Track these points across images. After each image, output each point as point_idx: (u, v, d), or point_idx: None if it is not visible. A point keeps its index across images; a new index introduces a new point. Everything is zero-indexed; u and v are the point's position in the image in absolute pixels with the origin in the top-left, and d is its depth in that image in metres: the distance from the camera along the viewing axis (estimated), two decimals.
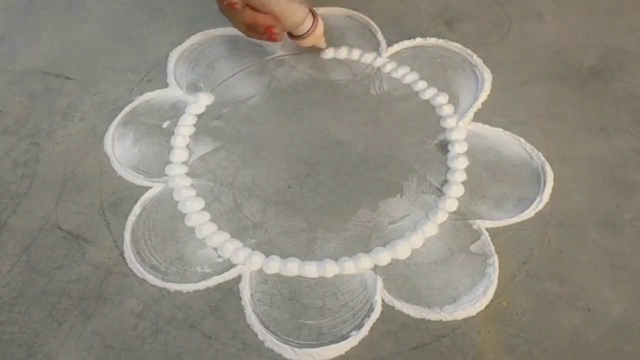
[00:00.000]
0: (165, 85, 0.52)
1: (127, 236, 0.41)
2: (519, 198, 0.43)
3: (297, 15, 0.47)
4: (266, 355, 0.36)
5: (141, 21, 0.57)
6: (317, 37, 0.51)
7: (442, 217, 0.42)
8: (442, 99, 0.50)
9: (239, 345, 0.36)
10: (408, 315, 0.37)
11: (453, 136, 0.47)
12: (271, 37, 0.47)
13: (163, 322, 0.37)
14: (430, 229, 0.41)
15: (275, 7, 0.46)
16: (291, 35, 0.50)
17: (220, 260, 0.40)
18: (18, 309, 0.38)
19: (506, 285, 0.38)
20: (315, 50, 0.53)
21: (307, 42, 0.51)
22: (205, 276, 0.39)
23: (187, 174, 0.45)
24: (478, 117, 0.48)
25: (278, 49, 0.54)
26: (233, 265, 0.40)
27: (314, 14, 0.50)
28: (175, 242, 0.41)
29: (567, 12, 0.57)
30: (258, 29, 0.47)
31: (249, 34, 0.48)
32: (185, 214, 0.43)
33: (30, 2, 0.60)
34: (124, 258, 0.40)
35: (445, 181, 0.44)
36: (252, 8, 0.46)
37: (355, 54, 0.54)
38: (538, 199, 0.42)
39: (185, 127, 0.48)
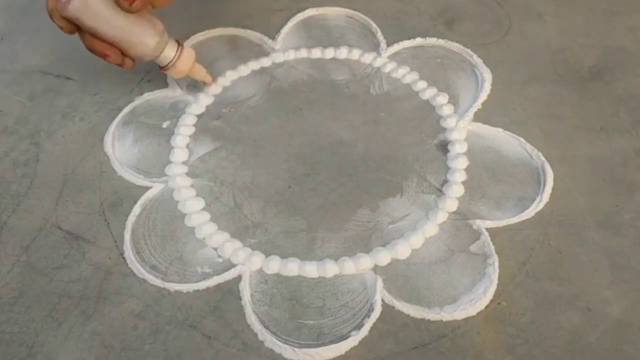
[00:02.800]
0: (165, 85, 0.52)
1: (127, 236, 0.41)
2: (519, 198, 0.43)
3: (141, 47, 0.44)
4: (266, 355, 0.36)
5: None
6: (180, 71, 0.47)
7: (442, 217, 0.42)
8: (442, 99, 0.50)
9: (239, 345, 0.36)
10: (408, 315, 0.37)
11: (453, 136, 0.47)
12: (117, 64, 0.45)
13: (163, 322, 0.37)
14: (430, 229, 0.41)
15: (110, 33, 0.42)
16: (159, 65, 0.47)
17: (220, 260, 0.40)
18: (18, 309, 0.38)
19: (506, 285, 0.38)
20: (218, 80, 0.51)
21: (172, 74, 0.47)
22: (205, 276, 0.39)
23: (187, 174, 0.45)
24: (478, 117, 0.48)
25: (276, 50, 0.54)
26: (233, 265, 0.40)
27: (179, 44, 0.46)
28: (175, 242, 0.41)
29: (567, 12, 0.57)
30: (96, 54, 0.44)
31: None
32: (185, 214, 0.43)
33: (30, 2, 0.60)
34: (124, 258, 0.40)
35: (445, 181, 0.44)
36: (89, 33, 0.43)
37: (355, 54, 0.54)
38: (538, 199, 0.42)
39: (185, 127, 0.48)
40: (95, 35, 0.43)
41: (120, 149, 0.47)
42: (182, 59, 0.46)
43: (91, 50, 0.44)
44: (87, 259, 0.40)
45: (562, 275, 0.39)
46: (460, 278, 0.39)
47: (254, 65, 0.53)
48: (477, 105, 0.49)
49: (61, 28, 0.43)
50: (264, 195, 0.44)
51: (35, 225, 0.42)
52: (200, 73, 0.49)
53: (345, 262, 0.40)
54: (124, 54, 0.44)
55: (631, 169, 0.45)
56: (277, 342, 0.36)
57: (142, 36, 0.43)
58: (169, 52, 0.46)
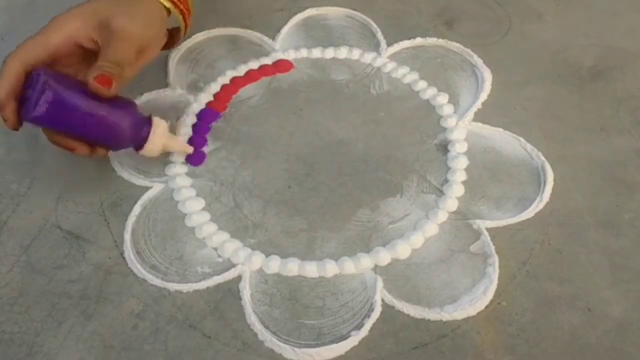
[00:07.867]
0: (165, 85, 0.52)
1: (127, 236, 0.41)
2: (519, 198, 0.43)
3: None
4: (266, 355, 0.36)
5: None
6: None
7: (442, 217, 0.42)
8: (442, 99, 0.50)
9: (239, 345, 0.36)
10: (408, 315, 0.37)
11: (453, 136, 0.47)
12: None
13: (163, 322, 0.37)
14: (430, 229, 0.41)
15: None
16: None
17: (220, 260, 0.40)
18: (18, 309, 0.38)
19: (506, 285, 0.38)
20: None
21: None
22: (205, 276, 0.39)
23: (187, 174, 0.45)
24: (478, 117, 0.48)
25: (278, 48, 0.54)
26: (233, 265, 0.40)
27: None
28: (175, 242, 0.41)
29: (567, 12, 0.57)
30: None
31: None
32: (186, 214, 0.43)
33: (30, 2, 0.60)
34: (124, 258, 0.40)
35: (445, 181, 0.44)
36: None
37: (355, 54, 0.54)
38: (538, 199, 0.42)
39: (185, 127, 0.48)
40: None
41: None
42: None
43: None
44: (87, 259, 0.40)
45: (562, 275, 0.39)
46: (460, 278, 0.39)
47: (254, 65, 0.53)
48: (477, 105, 0.49)
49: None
50: (264, 195, 0.44)
51: (35, 225, 0.42)
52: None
53: (345, 262, 0.40)
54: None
55: (631, 169, 0.45)
56: (277, 342, 0.36)
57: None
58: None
